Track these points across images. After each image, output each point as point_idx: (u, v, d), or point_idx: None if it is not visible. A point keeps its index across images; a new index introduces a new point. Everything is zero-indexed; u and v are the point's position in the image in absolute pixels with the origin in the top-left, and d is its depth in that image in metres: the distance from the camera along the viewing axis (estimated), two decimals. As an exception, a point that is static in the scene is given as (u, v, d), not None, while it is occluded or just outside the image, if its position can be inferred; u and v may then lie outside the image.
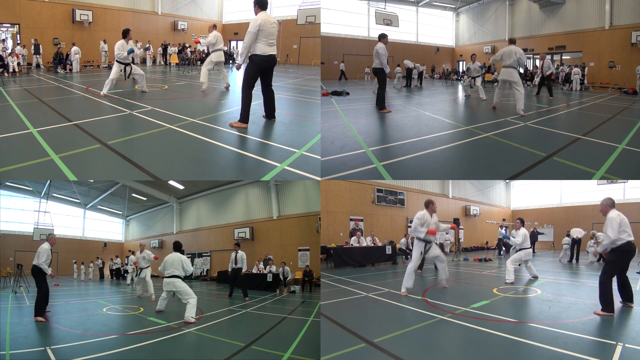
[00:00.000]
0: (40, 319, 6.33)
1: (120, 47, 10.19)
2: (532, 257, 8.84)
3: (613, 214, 5.32)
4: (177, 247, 7.01)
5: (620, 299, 5.50)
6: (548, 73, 15.54)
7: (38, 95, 10.80)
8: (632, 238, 5.28)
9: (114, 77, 10.33)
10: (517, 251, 8.66)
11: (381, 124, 9.17)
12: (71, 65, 19.39)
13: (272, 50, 6.79)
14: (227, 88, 12.16)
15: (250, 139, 6.48)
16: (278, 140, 6.31)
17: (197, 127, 7.07)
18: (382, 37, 9.90)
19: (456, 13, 32.45)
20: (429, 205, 6.82)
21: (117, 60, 10.31)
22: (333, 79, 24.23)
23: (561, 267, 11.99)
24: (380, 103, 10.34)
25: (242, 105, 6.91)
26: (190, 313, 6.34)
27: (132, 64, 10.56)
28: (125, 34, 10.31)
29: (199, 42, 12.10)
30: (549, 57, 16.33)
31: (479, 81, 15.08)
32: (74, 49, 19.75)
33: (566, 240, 14.05)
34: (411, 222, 18.37)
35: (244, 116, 6.90)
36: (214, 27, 11.99)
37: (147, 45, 12.00)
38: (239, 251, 10.18)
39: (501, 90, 10.99)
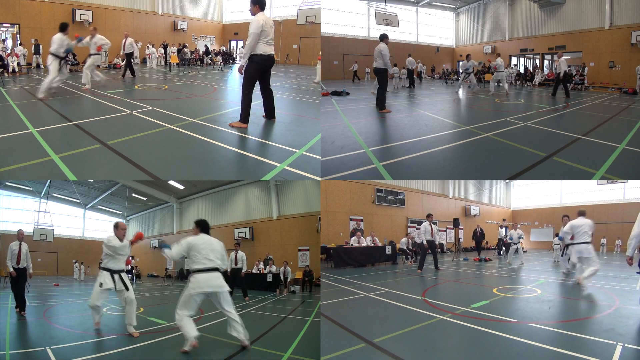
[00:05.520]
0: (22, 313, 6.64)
1: (59, 42, 9.85)
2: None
3: None
4: None
5: None
6: (563, 72, 14.88)
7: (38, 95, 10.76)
8: None
9: (55, 74, 9.90)
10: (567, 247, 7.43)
11: (381, 124, 9.17)
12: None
13: (272, 50, 6.85)
14: (86, 89, 11.44)
15: (250, 139, 6.48)
16: (278, 140, 6.31)
17: (197, 127, 7.08)
18: (384, 38, 9.93)
19: (456, 13, 32.45)
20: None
21: (53, 54, 9.90)
22: (333, 79, 24.21)
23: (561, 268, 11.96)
24: (380, 103, 10.34)
25: (243, 105, 6.92)
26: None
27: (66, 59, 10.24)
28: (64, 28, 9.97)
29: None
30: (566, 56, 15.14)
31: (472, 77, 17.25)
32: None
33: (556, 240, 14.03)
34: (411, 222, 18.39)
35: (244, 116, 6.91)
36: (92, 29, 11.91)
37: (80, 37, 11.26)
38: (239, 251, 10.18)
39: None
